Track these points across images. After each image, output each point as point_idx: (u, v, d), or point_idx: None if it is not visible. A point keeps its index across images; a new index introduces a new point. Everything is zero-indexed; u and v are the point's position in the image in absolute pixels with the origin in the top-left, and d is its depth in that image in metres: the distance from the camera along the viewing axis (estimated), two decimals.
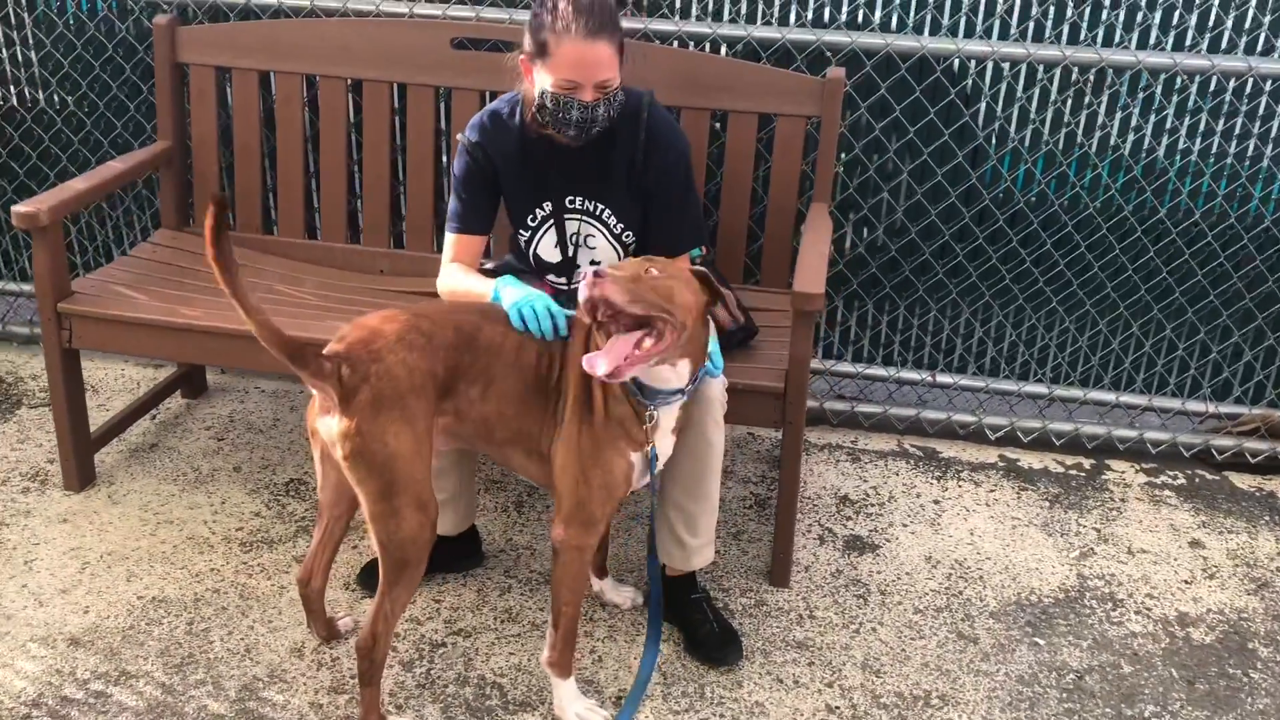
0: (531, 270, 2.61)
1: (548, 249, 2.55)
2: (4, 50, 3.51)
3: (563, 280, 2.57)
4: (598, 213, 2.51)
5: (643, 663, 2.39)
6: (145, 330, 2.83)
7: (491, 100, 2.64)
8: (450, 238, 2.53)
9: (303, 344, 2.07)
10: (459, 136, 2.50)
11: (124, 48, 3.43)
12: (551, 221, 2.52)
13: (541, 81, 2.33)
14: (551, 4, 2.29)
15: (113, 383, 3.55)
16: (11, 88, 3.57)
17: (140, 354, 3.38)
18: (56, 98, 3.54)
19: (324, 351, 2.10)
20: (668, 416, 2.22)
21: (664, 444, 2.26)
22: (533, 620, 2.61)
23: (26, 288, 3.76)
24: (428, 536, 2.16)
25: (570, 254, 2.54)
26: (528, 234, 2.56)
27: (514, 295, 2.29)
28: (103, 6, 3.40)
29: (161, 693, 2.37)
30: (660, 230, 2.51)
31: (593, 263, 2.51)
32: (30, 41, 3.50)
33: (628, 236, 2.53)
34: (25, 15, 3.46)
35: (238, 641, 2.51)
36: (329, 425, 2.11)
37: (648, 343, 2.06)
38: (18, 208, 2.75)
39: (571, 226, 2.52)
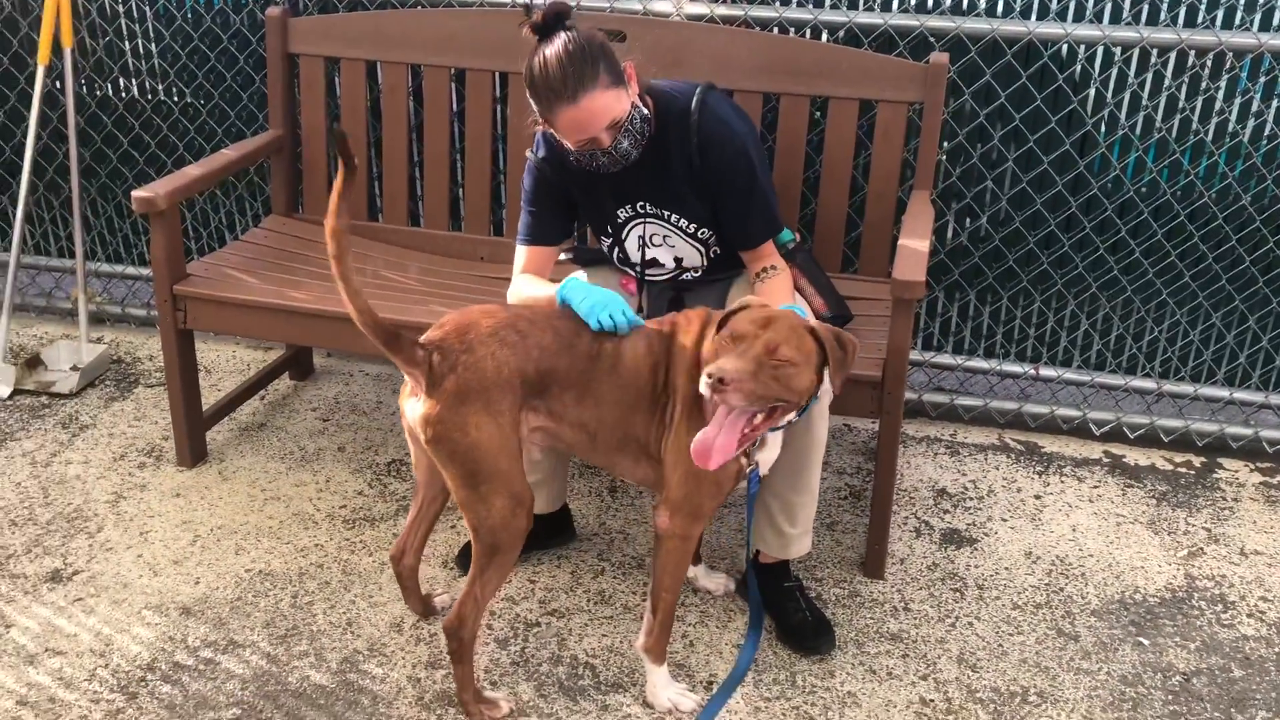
0: (609, 261, 2.63)
1: (628, 253, 2.58)
2: (126, 43, 3.66)
3: (651, 273, 2.59)
4: (667, 217, 2.51)
5: (741, 656, 2.40)
6: (256, 312, 2.92)
7: None
8: (520, 250, 2.54)
9: (398, 330, 2.12)
10: (527, 153, 2.51)
11: (238, 39, 3.54)
12: (626, 230, 2.54)
13: (562, 140, 2.35)
14: (529, 80, 2.28)
15: (224, 364, 3.68)
16: (133, 79, 3.71)
17: (250, 335, 3.49)
18: (174, 89, 3.68)
19: (421, 339, 2.14)
20: (776, 434, 2.24)
21: (773, 444, 2.26)
22: (625, 603, 2.63)
23: (145, 271, 3.92)
24: (520, 525, 2.18)
25: (650, 255, 2.55)
26: (608, 240, 2.59)
27: (586, 300, 2.24)
28: (219, 0, 3.52)
29: (267, 662, 2.45)
30: (732, 226, 2.50)
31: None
32: (151, 34, 3.63)
33: (703, 233, 2.52)
34: (147, 9, 3.60)
35: (340, 615, 2.59)
36: (414, 409, 2.15)
37: (759, 418, 2.08)
38: (137, 193, 2.86)
39: (647, 230, 2.53)
